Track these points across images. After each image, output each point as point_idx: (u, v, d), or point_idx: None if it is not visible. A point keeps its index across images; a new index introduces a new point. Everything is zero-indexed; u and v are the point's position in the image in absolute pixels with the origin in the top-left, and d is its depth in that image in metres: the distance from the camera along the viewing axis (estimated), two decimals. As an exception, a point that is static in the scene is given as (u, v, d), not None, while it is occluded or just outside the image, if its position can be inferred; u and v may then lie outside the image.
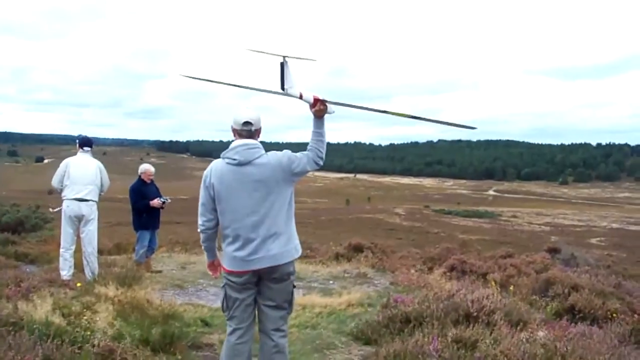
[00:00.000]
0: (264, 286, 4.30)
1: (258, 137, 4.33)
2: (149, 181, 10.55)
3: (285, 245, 4.22)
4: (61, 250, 8.45)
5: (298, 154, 4.33)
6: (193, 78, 5.30)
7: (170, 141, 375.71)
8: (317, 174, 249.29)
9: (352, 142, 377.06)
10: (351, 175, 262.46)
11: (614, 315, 7.43)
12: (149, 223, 10.42)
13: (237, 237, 4.19)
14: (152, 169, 10.74)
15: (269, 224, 4.16)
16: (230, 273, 4.26)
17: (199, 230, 4.41)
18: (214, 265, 4.59)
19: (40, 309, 5.81)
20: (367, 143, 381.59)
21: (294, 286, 4.46)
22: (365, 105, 4.43)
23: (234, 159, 4.16)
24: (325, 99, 4.34)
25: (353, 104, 4.47)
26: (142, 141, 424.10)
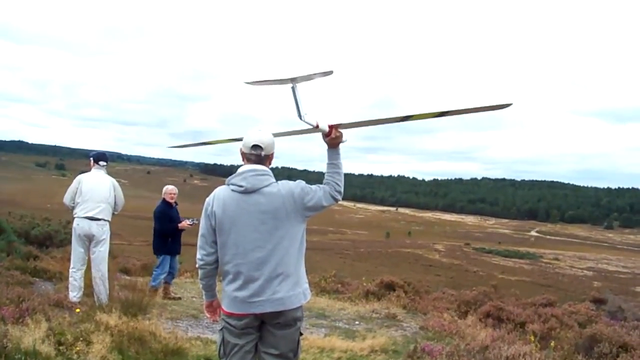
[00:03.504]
0: (267, 332, 3.75)
1: (269, 164, 3.82)
2: (173, 202, 10.09)
3: (292, 289, 3.68)
4: (71, 270, 8.10)
5: (313, 186, 3.82)
6: (180, 147, 5.16)
7: (214, 164, 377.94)
8: (358, 205, 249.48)
9: (396, 175, 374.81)
10: (393, 209, 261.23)
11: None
12: (173, 248, 9.96)
13: (238, 274, 3.66)
14: (175, 189, 10.29)
15: (275, 263, 3.63)
16: (229, 315, 3.73)
17: (197, 265, 3.87)
18: (212, 306, 4.04)
19: (31, 335, 5.33)
20: (411, 177, 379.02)
21: (301, 334, 3.89)
22: (383, 118, 3.87)
23: (240, 186, 3.66)
24: (340, 122, 3.84)
25: (370, 120, 3.89)
26: (187, 162, 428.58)
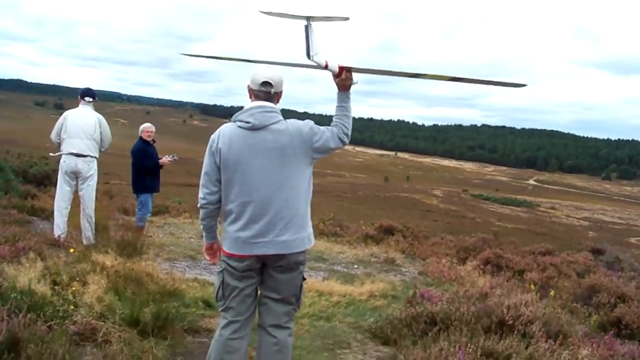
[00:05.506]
0: (268, 275, 3.68)
1: (277, 102, 3.70)
2: (150, 140, 9.79)
3: (298, 232, 3.60)
4: (55, 210, 8.01)
5: (322, 127, 3.73)
6: (194, 56, 5.06)
7: (214, 105, 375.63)
8: (357, 149, 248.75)
9: (396, 119, 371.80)
10: (392, 153, 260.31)
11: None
12: (152, 185, 9.75)
13: (241, 214, 3.55)
14: (152, 127, 9.92)
15: (280, 203, 3.54)
16: (229, 256, 3.63)
17: (199, 204, 3.77)
18: (212, 249, 3.94)
19: (27, 274, 5.25)
20: (411, 122, 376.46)
21: (304, 278, 3.82)
22: (395, 71, 3.81)
23: (248, 122, 3.54)
24: (351, 66, 3.73)
25: (382, 70, 3.82)
26: (186, 103, 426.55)
